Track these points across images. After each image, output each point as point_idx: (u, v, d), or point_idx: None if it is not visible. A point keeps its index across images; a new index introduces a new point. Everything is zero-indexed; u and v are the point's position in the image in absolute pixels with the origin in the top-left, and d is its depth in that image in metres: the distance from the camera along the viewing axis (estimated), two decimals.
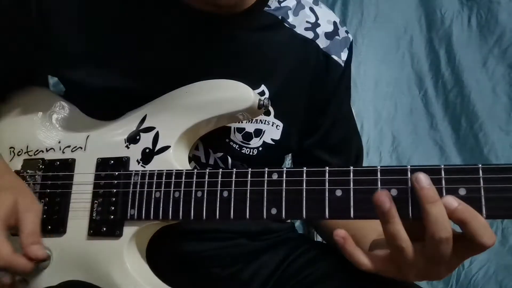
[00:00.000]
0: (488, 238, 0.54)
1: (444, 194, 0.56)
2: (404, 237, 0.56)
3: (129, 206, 0.72)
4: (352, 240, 0.59)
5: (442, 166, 0.57)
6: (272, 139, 0.83)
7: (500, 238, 1.73)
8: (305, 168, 0.63)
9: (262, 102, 0.73)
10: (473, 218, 0.54)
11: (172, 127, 0.75)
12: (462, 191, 0.55)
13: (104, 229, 0.73)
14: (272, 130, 0.83)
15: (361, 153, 0.96)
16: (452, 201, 0.54)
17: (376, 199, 0.56)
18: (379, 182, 0.59)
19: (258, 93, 0.76)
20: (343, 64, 0.86)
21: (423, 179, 0.55)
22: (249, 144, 0.82)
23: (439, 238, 0.54)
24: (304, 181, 0.63)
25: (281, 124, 0.83)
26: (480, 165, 0.55)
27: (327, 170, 0.62)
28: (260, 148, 0.83)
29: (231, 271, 0.86)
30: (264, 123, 0.82)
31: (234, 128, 0.81)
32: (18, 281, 0.70)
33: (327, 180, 0.61)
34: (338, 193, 0.60)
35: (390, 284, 0.64)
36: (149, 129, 0.76)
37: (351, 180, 0.60)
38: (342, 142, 0.93)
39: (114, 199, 0.73)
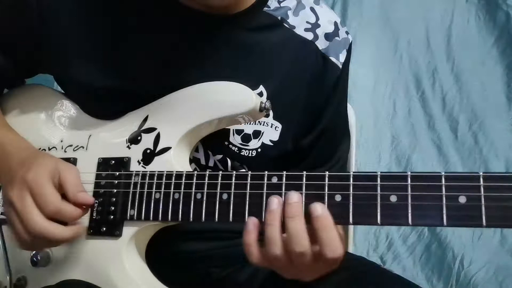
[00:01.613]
0: (330, 251, 0.58)
1: (444, 201, 0.55)
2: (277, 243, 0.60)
3: (129, 207, 0.72)
4: (257, 234, 0.62)
5: (443, 173, 0.56)
6: (270, 140, 0.83)
7: (500, 238, 1.73)
8: (305, 172, 0.63)
9: (263, 105, 0.73)
10: (327, 229, 0.58)
11: (173, 128, 0.75)
12: (462, 199, 0.55)
13: (104, 229, 0.73)
14: (271, 131, 0.83)
15: (346, 155, 0.96)
16: (317, 209, 0.59)
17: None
18: (378, 188, 0.59)
19: (257, 94, 0.76)
20: (340, 66, 0.86)
21: (293, 197, 0.60)
22: (248, 145, 0.82)
23: (293, 251, 0.59)
24: (304, 185, 0.62)
25: (279, 126, 0.83)
26: (481, 173, 0.54)
27: (326, 175, 0.62)
28: (259, 150, 0.82)
29: (230, 270, 0.87)
30: (263, 125, 0.82)
31: (233, 130, 0.81)
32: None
33: (326, 185, 0.61)
34: (338, 198, 0.60)
35: (389, 284, 0.65)
36: (150, 130, 0.76)
37: (351, 185, 0.60)
38: (333, 144, 0.92)
39: (114, 199, 0.74)
